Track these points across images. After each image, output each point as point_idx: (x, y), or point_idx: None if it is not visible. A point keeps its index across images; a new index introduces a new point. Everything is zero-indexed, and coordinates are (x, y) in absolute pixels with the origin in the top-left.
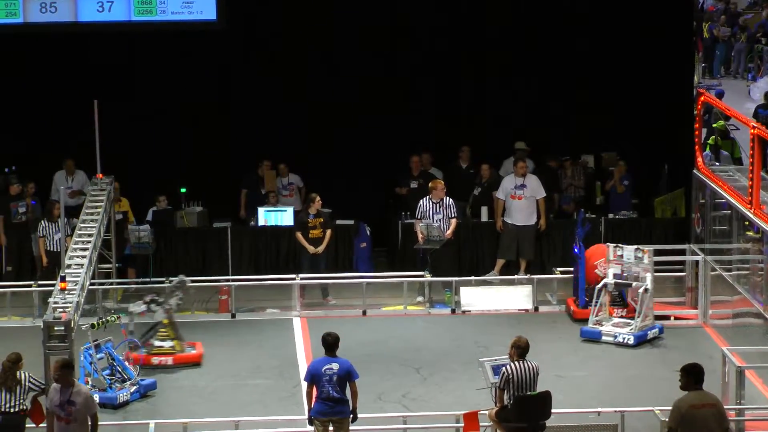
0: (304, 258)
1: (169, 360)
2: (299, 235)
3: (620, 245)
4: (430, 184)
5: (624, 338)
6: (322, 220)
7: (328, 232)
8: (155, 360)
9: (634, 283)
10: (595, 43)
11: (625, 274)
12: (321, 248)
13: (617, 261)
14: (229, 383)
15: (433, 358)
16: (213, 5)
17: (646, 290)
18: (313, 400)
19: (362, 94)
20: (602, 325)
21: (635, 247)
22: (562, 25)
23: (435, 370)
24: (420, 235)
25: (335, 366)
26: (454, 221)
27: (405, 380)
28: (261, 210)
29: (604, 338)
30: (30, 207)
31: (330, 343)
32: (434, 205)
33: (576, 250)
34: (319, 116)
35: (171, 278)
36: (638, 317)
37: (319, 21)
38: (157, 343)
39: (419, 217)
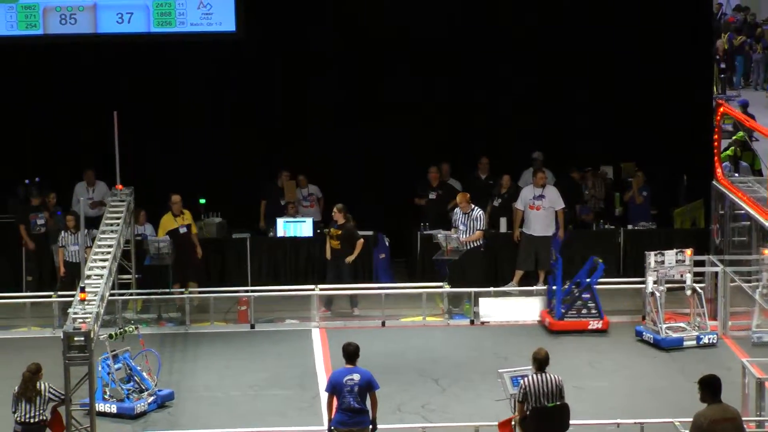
0: (329, 268)
1: None
2: (327, 237)
3: (661, 252)
4: (457, 198)
5: (709, 339)
6: (340, 232)
7: (359, 243)
8: None
9: (688, 291)
10: (614, 55)
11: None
12: (350, 259)
13: (657, 267)
14: (248, 393)
15: (452, 368)
16: (232, 16)
17: (694, 291)
18: (334, 410)
19: (380, 102)
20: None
21: (676, 250)
22: (581, 37)
23: (454, 380)
24: (447, 246)
25: (356, 376)
26: (477, 233)
27: (424, 391)
28: (280, 221)
29: (686, 344)
30: (48, 219)
31: (350, 353)
32: (464, 216)
33: (552, 262)
34: (338, 125)
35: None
36: (702, 317)
37: (337, 28)
38: None
39: (455, 226)
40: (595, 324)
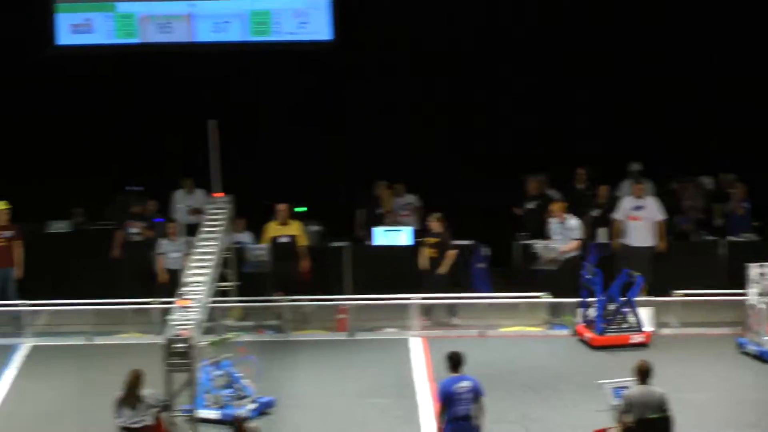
0: (426, 277)
1: None
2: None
3: (764, 263)
4: (553, 207)
5: None
6: (437, 240)
7: (449, 254)
8: None
9: None
10: (710, 66)
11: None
12: (442, 270)
13: (759, 279)
14: (348, 402)
15: (552, 379)
16: (328, 24)
17: None
18: (443, 420)
19: (476, 114)
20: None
21: None
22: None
23: (554, 391)
24: (546, 256)
25: (467, 384)
26: (574, 242)
27: (523, 401)
28: (377, 230)
29: None
30: (144, 228)
31: (457, 361)
32: (560, 225)
33: (586, 275)
34: (436, 135)
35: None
36: None
37: (431, 38)
38: None
39: (551, 236)
40: (636, 338)
